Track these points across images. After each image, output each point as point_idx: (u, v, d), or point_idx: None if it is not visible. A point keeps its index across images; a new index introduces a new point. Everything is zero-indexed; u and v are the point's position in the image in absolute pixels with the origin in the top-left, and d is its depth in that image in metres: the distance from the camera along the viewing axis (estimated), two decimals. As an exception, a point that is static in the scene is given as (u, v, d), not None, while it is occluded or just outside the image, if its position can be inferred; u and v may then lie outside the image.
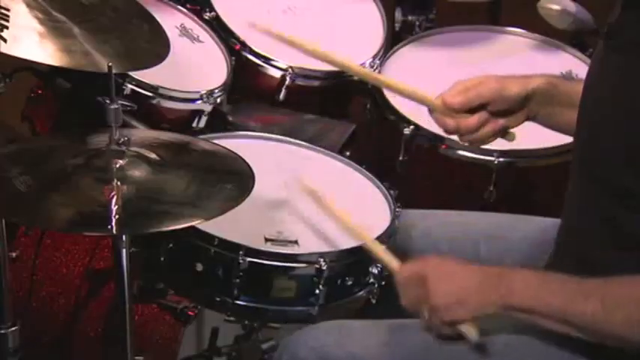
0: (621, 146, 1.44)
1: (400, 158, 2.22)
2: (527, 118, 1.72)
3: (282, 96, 2.27)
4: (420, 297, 1.50)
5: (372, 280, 1.81)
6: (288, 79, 2.26)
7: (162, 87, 2.04)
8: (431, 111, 1.72)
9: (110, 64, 1.50)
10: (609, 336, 1.41)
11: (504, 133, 1.73)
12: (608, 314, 1.40)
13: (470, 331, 1.50)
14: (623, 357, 1.44)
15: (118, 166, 1.53)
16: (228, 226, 1.71)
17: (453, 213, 1.93)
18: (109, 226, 1.46)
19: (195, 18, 2.30)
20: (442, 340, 1.52)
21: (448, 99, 1.68)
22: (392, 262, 1.61)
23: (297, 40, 1.78)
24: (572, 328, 1.44)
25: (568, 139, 1.83)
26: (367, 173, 2.00)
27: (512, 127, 1.72)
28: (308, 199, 1.77)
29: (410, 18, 2.68)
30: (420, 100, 1.74)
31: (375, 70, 2.32)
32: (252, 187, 1.57)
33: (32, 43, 1.58)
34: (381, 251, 1.65)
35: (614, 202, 1.46)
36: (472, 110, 1.68)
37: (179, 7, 2.32)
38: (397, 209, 1.87)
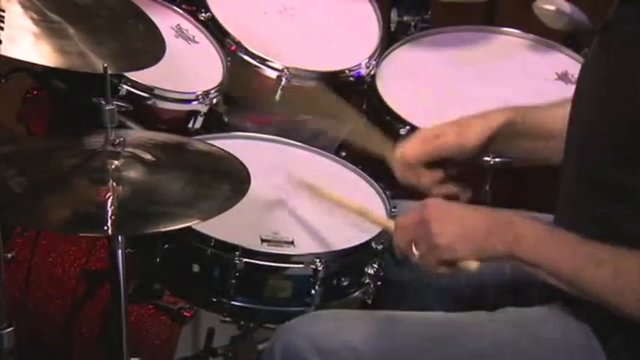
0: (614, 143, 1.44)
1: (396, 158, 2.22)
2: (487, 155, 1.73)
3: (277, 96, 2.27)
4: (418, 237, 1.49)
5: (367, 280, 1.81)
6: (283, 79, 2.26)
7: (157, 88, 2.04)
8: (393, 160, 1.74)
9: (106, 64, 1.50)
10: (614, 307, 1.41)
11: (460, 193, 1.74)
12: (619, 289, 1.40)
13: (470, 264, 1.48)
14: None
15: (113, 166, 1.53)
16: (224, 226, 1.71)
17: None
18: (105, 227, 1.46)
19: (191, 19, 2.30)
20: (434, 277, 1.51)
21: (407, 151, 1.71)
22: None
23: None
24: (578, 290, 1.43)
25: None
26: (363, 174, 2.00)
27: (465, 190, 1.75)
28: (304, 193, 1.77)
29: (405, 18, 2.68)
30: (383, 153, 1.75)
31: (370, 71, 2.32)
32: (248, 187, 1.57)
33: (27, 43, 1.58)
34: (392, 226, 1.62)
35: (607, 200, 1.47)
36: (433, 163, 1.71)
37: (175, 7, 2.32)
38: (393, 210, 1.87)
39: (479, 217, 1.50)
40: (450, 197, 1.70)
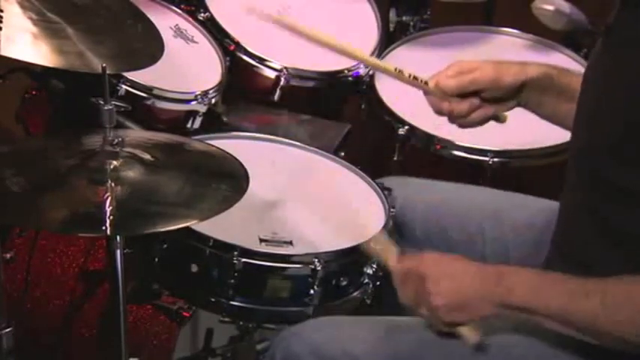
0: (618, 145, 1.44)
1: (395, 158, 2.22)
2: (519, 104, 1.72)
3: (276, 96, 2.27)
4: (418, 295, 1.50)
5: (366, 280, 1.81)
6: (282, 79, 2.26)
7: (156, 88, 2.04)
8: (425, 92, 1.72)
9: (104, 64, 1.50)
10: (609, 335, 1.41)
11: (496, 117, 1.74)
12: (610, 313, 1.39)
13: (469, 334, 1.50)
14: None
15: (112, 166, 1.52)
16: (222, 226, 1.71)
17: (461, 186, 1.94)
18: (103, 227, 1.45)
19: (190, 18, 2.30)
20: (441, 336, 1.52)
21: (442, 81, 1.69)
22: (390, 255, 1.60)
23: (296, 25, 1.76)
24: (572, 327, 1.44)
25: (563, 139, 1.84)
26: (362, 173, 2.00)
27: (503, 112, 1.73)
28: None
29: (404, 18, 2.68)
30: (415, 83, 1.73)
31: (369, 71, 2.32)
32: (247, 187, 1.57)
33: (26, 43, 1.58)
34: (381, 245, 1.64)
35: (607, 201, 1.47)
36: (465, 94, 1.69)
37: (173, 7, 2.31)
38: (391, 209, 1.87)
39: (471, 274, 1.50)
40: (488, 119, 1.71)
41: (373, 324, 1.63)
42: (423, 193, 1.89)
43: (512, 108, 1.72)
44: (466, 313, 1.49)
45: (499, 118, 1.74)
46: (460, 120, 1.71)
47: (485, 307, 1.48)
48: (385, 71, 1.79)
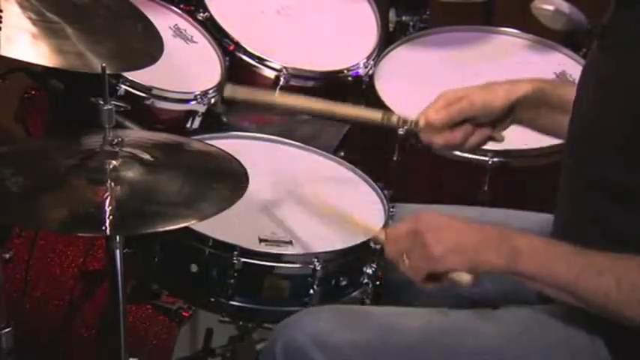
0: (613, 145, 1.44)
1: (394, 158, 2.22)
2: (513, 123, 1.72)
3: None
4: (411, 247, 1.46)
5: (366, 280, 1.81)
6: (282, 79, 2.26)
7: (156, 88, 2.04)
8: (418, 130, 1.72)
9: (104, 64, 1.50)
10: (620, 315, 1.40)
11: (492, 137, 1.74)
12: (625, 296, 1.38)
13: (462, 277, 1.45)
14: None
15: (111, 166, 1.52)
16: (222, 226, 1.71)
17: (449, 207, 1.93)
18: (103, 227, 1.45)
19: (189, 18, 2.30)
20: (423, 286, 1.48)
21: (431, 116, 1.68)
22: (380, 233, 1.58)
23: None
24: (579, 300, 1.42)
25: (562, 140, 1.84)
26: (361, 173, 2.00)
27: (499, 131, 1.73)
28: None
29: (404, 18, 2.68)
30: (405, 125, 1.73)
31: (368, 70, 2.32)
32: (246, 187, 1.57)
33: (25, 43, 1.58)
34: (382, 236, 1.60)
35: (604, 201, 1.47)
36: (457, 124, 1.69)
37: (173, 7, 2.32)
38: (391, 209, 1.87)
39: (473, 230, 1.47)
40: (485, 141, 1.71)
41: (374, 312, 1.63)
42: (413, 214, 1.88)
43: (507, 127, 1.72)
44: (465, 262, 1.44)
45: (496, 139, 1.74)
46: (458, 148, 1.72)
47: (486, 261, 1.43)
48: (372, 119, 1.77)
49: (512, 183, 2.23)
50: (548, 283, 1.43)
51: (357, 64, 2.33)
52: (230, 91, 1.73)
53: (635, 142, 1.41)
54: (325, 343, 1.54)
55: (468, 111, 1.67)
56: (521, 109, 1.70)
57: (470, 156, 2.15)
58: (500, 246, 1.44)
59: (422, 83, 2.36)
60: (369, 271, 1.80)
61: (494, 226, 1.48)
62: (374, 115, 1.77)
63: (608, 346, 1.49)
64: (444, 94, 1.70)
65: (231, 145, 1.90)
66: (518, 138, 2.12)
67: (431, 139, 1.71)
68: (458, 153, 2.16)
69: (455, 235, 1.46)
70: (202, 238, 1.73)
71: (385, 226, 1.82)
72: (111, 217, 1.46)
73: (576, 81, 1.61)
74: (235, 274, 1.72)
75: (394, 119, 1.73)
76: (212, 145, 1.76)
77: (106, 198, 1.48)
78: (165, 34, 2.04)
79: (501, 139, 1.75)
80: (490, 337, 1.53)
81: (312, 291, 1.74)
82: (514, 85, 1.70)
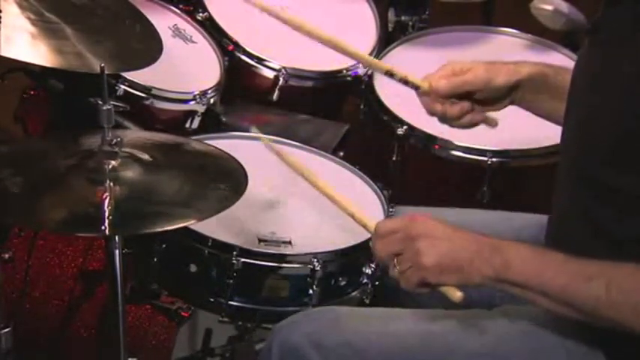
0: (603, 144, 1.44)
1: (393, 158, 2.22)
2: (512, 103, 1.73)
3: (275, 96, 2.27)
4: (403, 252, 1.45)
5: (365, 280, 1.81)
6: (281, 79, 2.26)
7: (155, 88, 2.04)
8: (419, 93, 1.72)
9: (103, 64, 1.50)
10: (611, 321, 1.40)
11: (486, 121, 1.74)
12: (615, 302, 1.38)
13: (453, 293, 1.44)
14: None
15: (110, 167, 1.52)
16: (221, 226, 1.71)
17: (447, 210, 1.93)
18: (102, 227, 1.45)
19: (188, 18, 2.30)
20: (411, 291, 1.47)
21: (435, 82, 1.69)
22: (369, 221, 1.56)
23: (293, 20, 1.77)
24: (570, 308, 1.42)
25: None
26: (360, 173, 2.00)
27: (496, 112, 1.74)
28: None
29: (403, 18, 2.68)
30: (408, 84, 1.73)
31: (368, 70, 2.32)
32: (246, 187, 1.57)
33: (24, 44, 1.58)
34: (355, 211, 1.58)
35: (597, 201, 1.47)
36: (458, 95, 1.69)
37: (172, 7, 2.32)
38: (390, 209, 1.87)
39: (466, 239, 1.46)
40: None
41: (371, 313, 1.63)
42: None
43: (506, 106, 1.73)
44: (456, 276, 1.44)
45: (489, 123, 1.75)
46: (452, 122, 1.72)
47: (476, 274, 1.43)
48: (378, 70, 1.79)
49: (511, 183, 2.23)
50: (538, 292, 1.42)
51: (357, 64, 2.33)
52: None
53: (623, 142, 1.41)
54: (322, 344, 1.54)
55: (471, 83, 1.68)
56: (522, 90, 1.70)
57: (469, 156, 2.15)
58: (493, 257, 1.44)
59: (421, 83, 2.36)
60: (368, 271, 1.80)
61: (486, 235, 1.48)
62: (380, 64, 1.79)
63: (603, 348, 1.49)
64: (451, 64, 1.71)
65: (231, 145, 1.90)
66: (517, 138, 2.12)
67: (429, 105, 1.71)
68: (457, 153, 2.16)
69: (448, 245, 1.45)
70: (201, 238, 1.73)
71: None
72: (110, 217, 1.46)
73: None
74: (235, 275, 1.72)
75: (398, 75, 1.73)
76: (211, 145, 1.76)
77: (105, 198, 1.48)
78: (165, 34, 2.04)
79: (495, 124, 1.75)
80: (486, 338, 1.53)
81: (311, 291, 1.74)
82: (518, 66, 1.71)
